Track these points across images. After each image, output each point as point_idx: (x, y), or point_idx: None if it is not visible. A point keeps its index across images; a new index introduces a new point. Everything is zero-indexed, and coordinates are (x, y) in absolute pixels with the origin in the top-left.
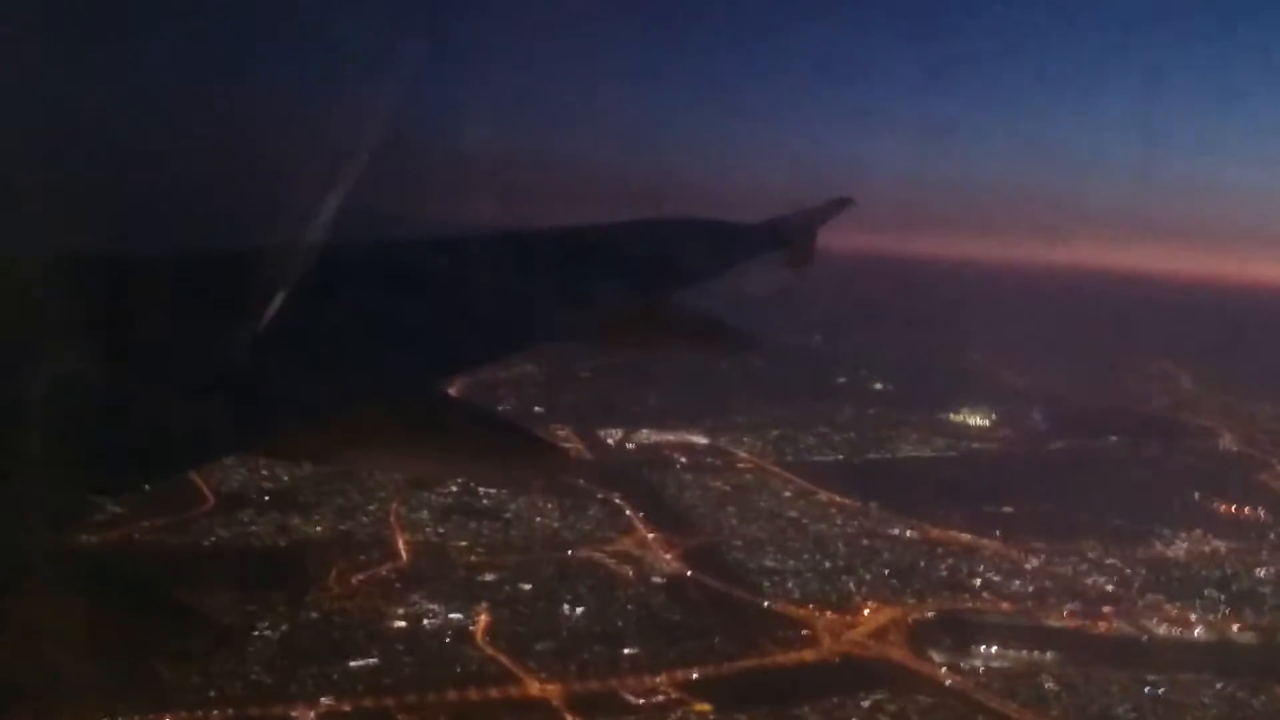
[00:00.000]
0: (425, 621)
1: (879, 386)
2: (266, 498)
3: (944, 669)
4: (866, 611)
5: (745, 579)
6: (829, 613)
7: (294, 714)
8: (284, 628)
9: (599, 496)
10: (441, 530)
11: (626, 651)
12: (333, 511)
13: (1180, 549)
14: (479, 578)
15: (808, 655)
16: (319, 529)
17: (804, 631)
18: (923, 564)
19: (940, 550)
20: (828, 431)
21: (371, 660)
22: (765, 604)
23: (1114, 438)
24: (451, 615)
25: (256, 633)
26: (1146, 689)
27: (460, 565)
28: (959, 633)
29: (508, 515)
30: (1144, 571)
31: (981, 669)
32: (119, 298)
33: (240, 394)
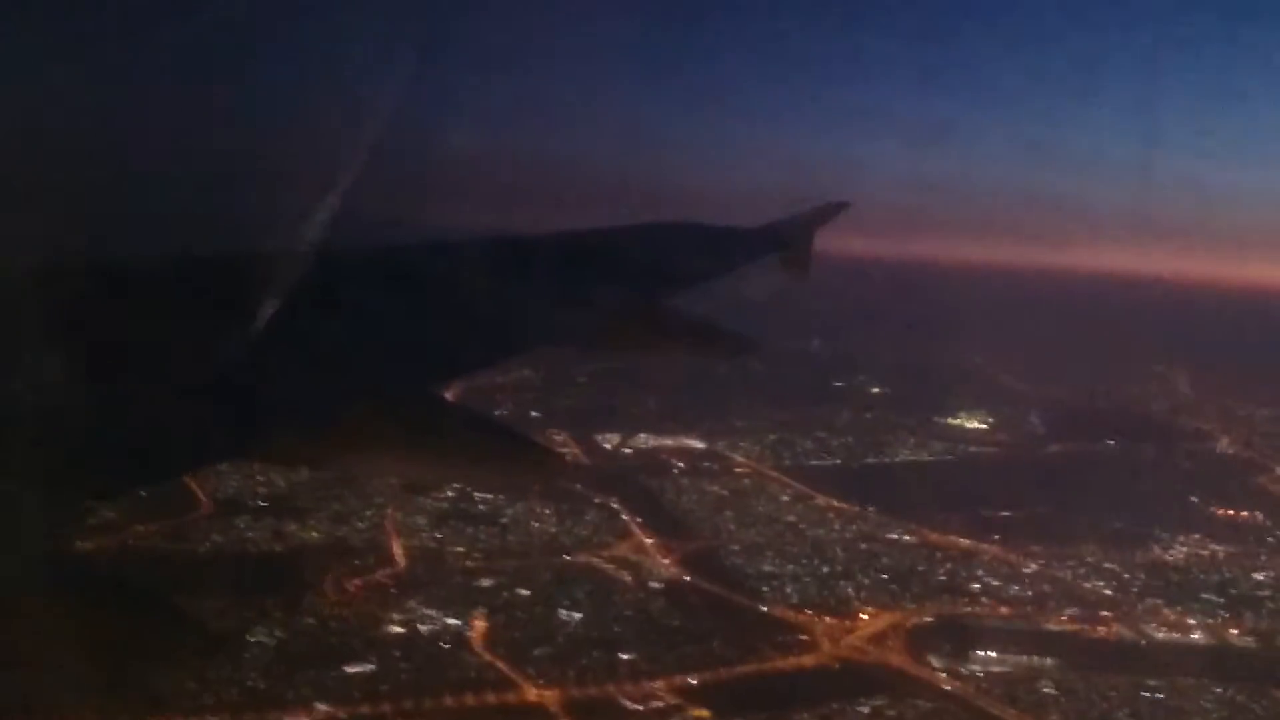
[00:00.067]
0: (422, 627)
1: (877, 390)
2: (262, 503)
3: (943, 674)
4: (865, 616)
5: (743, 584)
6: (827, 618)
7: None
8: (280, 633)
9: (596, 501)
10: (438, 535)
11: (624, 657)
12: (329, 517)
13: (1179, 553)
14: (476, 583)
15: (806, 660)
16: (315, 534)
17: (802, 636)
18: (921, 568)
19: (939, 554)
20: (825, 436)
21: (368, 666)
22: (763, 609)
23: (1112, 441)
24: (449, 621)
25: (252, 639)
26: (1146, 693)
27: (457, 570)
28: (958, 637)
29: (505, 520)
30: (1143, 575)
31: (980, 674)
32: (115, 301)
33: (237, 398)
